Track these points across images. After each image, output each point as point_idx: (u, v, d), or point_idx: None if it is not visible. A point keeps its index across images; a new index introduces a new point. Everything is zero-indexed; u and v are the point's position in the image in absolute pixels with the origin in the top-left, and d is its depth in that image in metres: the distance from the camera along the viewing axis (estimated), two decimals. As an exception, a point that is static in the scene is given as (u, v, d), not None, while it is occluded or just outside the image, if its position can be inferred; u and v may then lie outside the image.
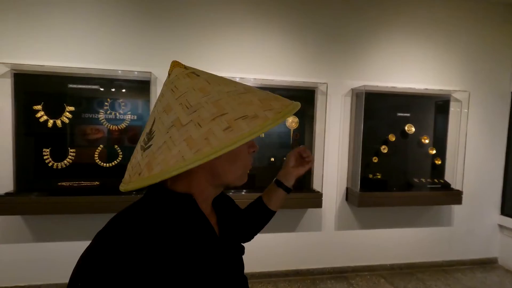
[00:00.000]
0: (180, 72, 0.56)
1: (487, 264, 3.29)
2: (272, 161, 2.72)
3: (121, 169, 2.44)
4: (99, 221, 1.89)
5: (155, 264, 0.47)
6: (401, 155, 2.94)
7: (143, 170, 0.47)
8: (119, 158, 2.46)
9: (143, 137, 0.53)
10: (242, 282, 0.67)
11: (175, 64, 0.59)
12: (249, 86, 0.56)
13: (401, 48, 2.93)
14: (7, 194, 2.27)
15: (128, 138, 2.48)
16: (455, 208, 3.18)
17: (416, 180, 2.95)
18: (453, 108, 3.04)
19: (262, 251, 2.78)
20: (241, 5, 2.63)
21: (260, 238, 2.73)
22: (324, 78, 2.80)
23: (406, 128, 2.89)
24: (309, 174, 2.82)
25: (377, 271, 3.02)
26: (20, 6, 2.31)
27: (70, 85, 2.37)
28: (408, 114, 2.94)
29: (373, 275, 2.96)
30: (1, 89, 2.29)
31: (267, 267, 2.82)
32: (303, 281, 2.80)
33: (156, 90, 2.50)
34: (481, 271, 3.15)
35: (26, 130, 2.34)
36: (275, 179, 0.94)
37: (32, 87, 2.33)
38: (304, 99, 2.77)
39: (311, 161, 0.92)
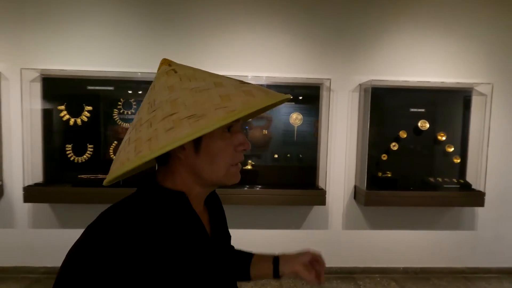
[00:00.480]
0: (162, 69, 0.57)
1: (520, 274, 2.98)
2: (276, 157, 2.74)
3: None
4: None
5: (143, 259, 0.46)
6: (413, 152, 2.79)
7: (112, 166, 0.51)
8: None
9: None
10: (230, 281, 0.66)
11: (163, 62, 0.59)
12: (228, 80, 0.54)
13: (414, 39, 2.78)
14: (36, 184, 2.57)
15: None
16: (479, 211, 2.93)
17: (431, 179, 2.78)
18: (475, 102, 2.81)
19: (268, 247, 2.81)
20: (246, 4, 2.69)
21: (265, 234, 2.78)
22: (330, 73, 2.75)
23: (419, 124, 2.74)
24: (314, 171, 2.79)
25: (389, 274, 2.89)
26: (50, 16, 2.60)
27: (89, 87, 2.62)
28: (423, 110, 2.78)
29: (384, 277, 2.84)
30: (33, 92, 2.60)
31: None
32: (308, 279, 2.78)
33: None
34: (510, 281, 2.87)
35: (52, 128, 2.62)
36: (276, 256, 0.81)
37: (57, 90, 2.61)
38: (309, 95, 2.76)
39: (319, 281, 0.77)
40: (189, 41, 2.68)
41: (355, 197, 2.84)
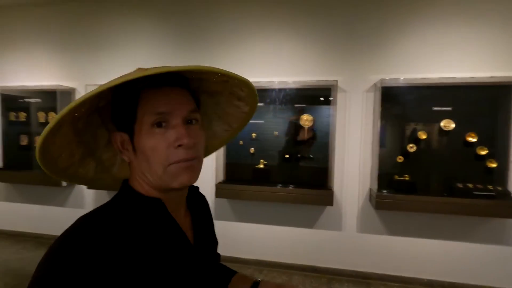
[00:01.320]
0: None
1: None
2: (287, 157, 2.87)
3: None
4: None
5: (118, 269, 0.44)
6: (436, 155, 2.56)
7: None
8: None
9: None
10: (213, 286, 0.64)
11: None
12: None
13: (436, 32, 2.56)
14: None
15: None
16: (527, 224, 2.50)
17: (460, 185, 2.50)
18: (518, 99, 2.42)
19: (278, 242, 2.96)
20: (259, 17, 2.91)
21: (276, 229, 2.93)
22: (342, 75, 2.75)
23: (442, 124, 2.51)
24: (325, 172, 2.82)
25: (410, 284, 2.70)
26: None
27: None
28: (449, 108, 2.53)
29: (401, 287, 2.68)
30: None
31: (282, 258, 2.97)
32: (319, 279, 2.81)
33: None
34: None
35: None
36: (257, 281, 0.74)
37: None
38: (319, 96, 2.81)
39: None
40: (213, 50, 3.04)
41: (370, 200, 2.76)
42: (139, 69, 0.47)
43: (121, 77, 0.44)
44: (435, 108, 2.55)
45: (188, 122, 0.54)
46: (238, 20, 2.96)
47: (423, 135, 2.54)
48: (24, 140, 3.52)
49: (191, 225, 0.61)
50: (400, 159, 2.60)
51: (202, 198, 0.72)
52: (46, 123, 3.34)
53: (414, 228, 2.70)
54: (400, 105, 2.61)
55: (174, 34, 3.12)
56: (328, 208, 2.86)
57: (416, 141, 2.58)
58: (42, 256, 0.45)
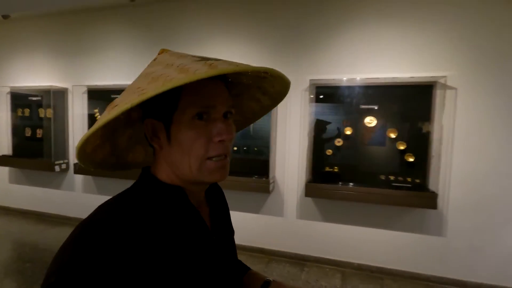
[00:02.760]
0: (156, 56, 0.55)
1: (504, 295, 2.55)
2: (235, 149, 3.23)
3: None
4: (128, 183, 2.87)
5: (140, 254, 0.44)
6: (360, 149, 2.79)
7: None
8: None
9: None
10: (233, 274, 0.65)
11: (159, 52, 0.56)
12: (197, 57, 0.49)
13: (364, 37, 2.78)
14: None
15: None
16: (449, 217, 2.66)
17: (382, 177, 2.73)
18: (436, 97, 2.60)
19: (230, 225, 3.32)
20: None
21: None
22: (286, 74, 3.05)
23: (366, 120, 2.74)
24: (267, 164, 3.14)
25: (342, 267, 2.96)
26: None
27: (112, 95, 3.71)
28: (375, 106, 2.75)
29: (334, 269, 2.94)
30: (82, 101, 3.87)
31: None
32: (261, 259, 3.15)
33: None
34: (482, 298, 2.52)
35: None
36: (268, 280, 0.74)
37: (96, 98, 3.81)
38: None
39: None
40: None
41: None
42: (198, 60, 0.46)
43: (193, 74, 0.42)
44: (362, 106, 2.78)
45: (224, 116, 0.54)
46: (196, 27, 3.35)
47: (348, 131, 2.78)
48: (28, 132, 4.17)
49: (209, 214, 0.62)
50: (329, 152, 2.86)
51: (218, 189, 0.72)
52: (46, 118, 3.96)
53: (346, 216, 2.95)
54: (331, 103, 2.87)
55: (149, 39, 3.58)
56: (272, 195, 3.18)
57: (342, 136, 2.83)
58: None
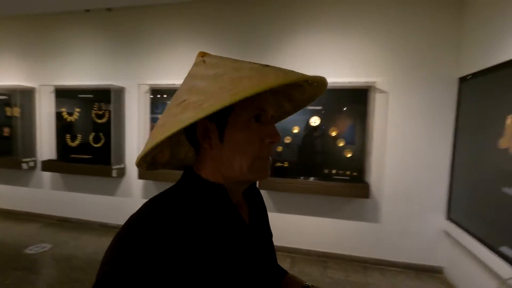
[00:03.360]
0: (195, 61, 0.57)
1: (428, 272, 2.93)
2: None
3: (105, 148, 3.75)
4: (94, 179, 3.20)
5: (185, 251, 0.46)
6: (306, 146, 3.10)
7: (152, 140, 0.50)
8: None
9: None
10: (270, 275, 0.66)
11: (198, 54, 0.58)
12: (250, 64, 0.51)
13: (314, 42, 3.10)
14: (50, 160, 3.94)
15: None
16: (383, 205, 3.02)
17: (326, 170, 3.05)
18: (371, 100, 2.94)
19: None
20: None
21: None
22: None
23: (312, 120, 3.05)
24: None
25: (293, 253, 3.26)
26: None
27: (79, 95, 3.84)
28: (320, 107, 3.06)
29: (285, 255, 3.24)
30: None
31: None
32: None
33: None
34: (408, 275, 2.88)
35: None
36: (307, 285, 0.75)
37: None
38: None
39: None
40: (140, 56, 3.65)
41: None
42: (261, 69, 0.48)
43: (262, 82, 0.44)
44: (309, 107, 3.09)
45: None
46: (155, 32, 3.56)
47: (295, 129, 3.08)
48: (-5, 131, 4.23)
49: (248, 214, 0.63)
50: (279, 149, 3.16)
51: (257, 191, 0.73)
52: (13, 116, 4.04)
53: (295, 207, 3.25)
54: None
55: (110, 42, 3.74)
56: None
57: (292, 134, 3.13)
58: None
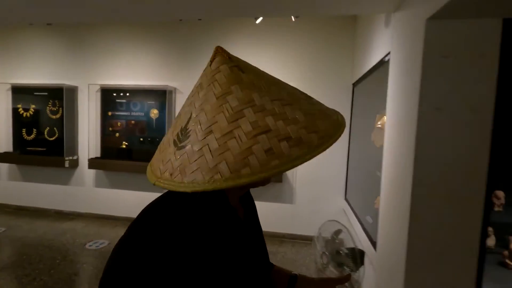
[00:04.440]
0: (222, 62, 0.50)
1: (331, 243, 3.57)
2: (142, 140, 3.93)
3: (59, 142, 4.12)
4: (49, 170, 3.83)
5: (186, 255, 0.48)
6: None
7: (174, 172, 0.44)
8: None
9: (176, 130, 0.49)
10: (265, 269, 0.72)
11: (219, 51, 0.51)
12: (292, 88, 0.53)
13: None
14: (6, 153, 4.25)
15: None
16: (298, 190, 3.64)
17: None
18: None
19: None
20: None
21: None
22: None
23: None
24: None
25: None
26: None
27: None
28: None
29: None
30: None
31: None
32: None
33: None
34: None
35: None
36: (294, 274, 0.79)
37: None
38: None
39: None
40: (92, 59, 4.05)
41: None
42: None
43: (328, 141, 0.45)
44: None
45: None
46: (106, 36, 3.99)
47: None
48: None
49: (243, 214, 0.66)
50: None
51: (249, 194, 0.76)
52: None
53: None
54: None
55: (64, 44, 4.13)
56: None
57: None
58: None
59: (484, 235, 1.23)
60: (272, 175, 0.41)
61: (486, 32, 1.18)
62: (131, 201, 4.03)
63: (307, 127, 0.45)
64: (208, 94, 0.47)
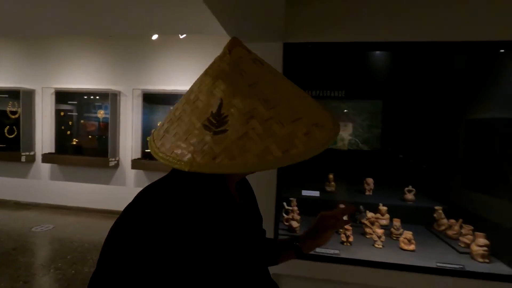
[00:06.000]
0: (244, 54, 0.53)
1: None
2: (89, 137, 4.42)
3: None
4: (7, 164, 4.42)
5: (183, 235, 0.47)
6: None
7: (219, 156, 0.43)
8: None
9: (204, 116, 0.47)
10: (262, 251, 0.75)
11: (237, 43, 0.53)
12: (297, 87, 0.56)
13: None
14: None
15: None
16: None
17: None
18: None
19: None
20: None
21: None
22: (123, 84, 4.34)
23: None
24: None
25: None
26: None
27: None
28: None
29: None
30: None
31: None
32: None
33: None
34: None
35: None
36: (295, 243, 0.82)
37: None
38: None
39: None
40: (52, 63, 4.54)
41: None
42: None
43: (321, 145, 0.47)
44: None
45: None
46: (61, 49, 4.50)
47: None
48: None
49: (239, 201, 0.66)
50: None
51: (246, 181, 0.77)
52: None
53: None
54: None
55: (25, 55, 4.63)
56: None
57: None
58: None
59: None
60: (314, 154, 0.45)
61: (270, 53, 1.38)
62: (81, 192, 4.52)
63: (325, 116, 0.52)
64: (240, 83, 0.49)
